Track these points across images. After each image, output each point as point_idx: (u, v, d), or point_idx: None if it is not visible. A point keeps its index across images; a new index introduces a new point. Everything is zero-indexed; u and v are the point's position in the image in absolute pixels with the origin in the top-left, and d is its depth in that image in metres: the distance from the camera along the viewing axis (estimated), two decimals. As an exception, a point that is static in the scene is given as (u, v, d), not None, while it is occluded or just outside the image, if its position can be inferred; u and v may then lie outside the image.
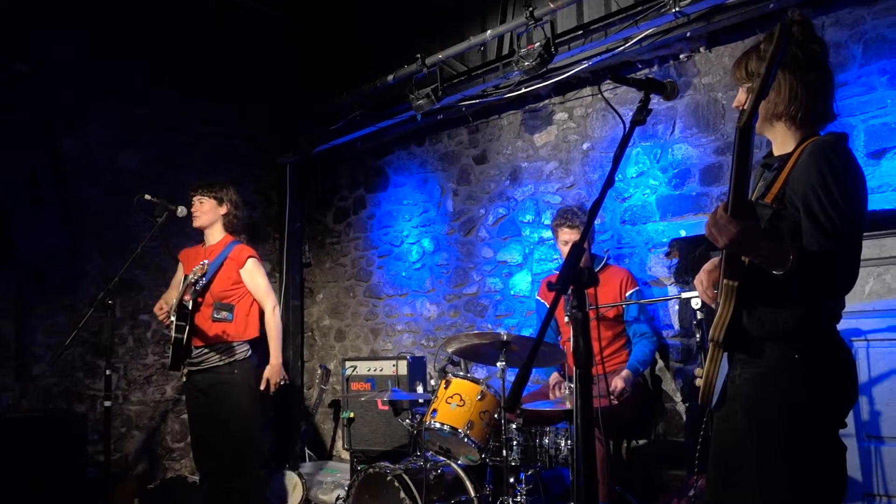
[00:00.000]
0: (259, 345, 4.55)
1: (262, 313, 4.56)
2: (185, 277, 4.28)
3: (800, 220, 2.02)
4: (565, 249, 4.41)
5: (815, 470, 2.02)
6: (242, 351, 4.41)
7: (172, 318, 4.26)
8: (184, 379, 4.42)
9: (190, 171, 6.36)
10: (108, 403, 4.46)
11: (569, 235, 4.34)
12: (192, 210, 4.51)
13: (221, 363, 4.32)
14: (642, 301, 4.35)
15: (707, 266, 2.32)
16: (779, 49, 1.87)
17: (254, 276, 4.48)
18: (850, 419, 2.35)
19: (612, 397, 3.86)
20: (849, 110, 3.79)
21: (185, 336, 4.24)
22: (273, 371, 4.43)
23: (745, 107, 1.92)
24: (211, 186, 4.52)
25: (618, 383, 3.99)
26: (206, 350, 4.34)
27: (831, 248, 1.95)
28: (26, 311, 5.60)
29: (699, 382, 2.24)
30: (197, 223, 4.53)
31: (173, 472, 6.22)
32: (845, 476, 2.08)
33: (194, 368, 4.36)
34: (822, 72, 2.17)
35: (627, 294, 4.32)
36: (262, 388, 4.40)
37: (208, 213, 4.50)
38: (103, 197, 5.98)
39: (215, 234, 4.55)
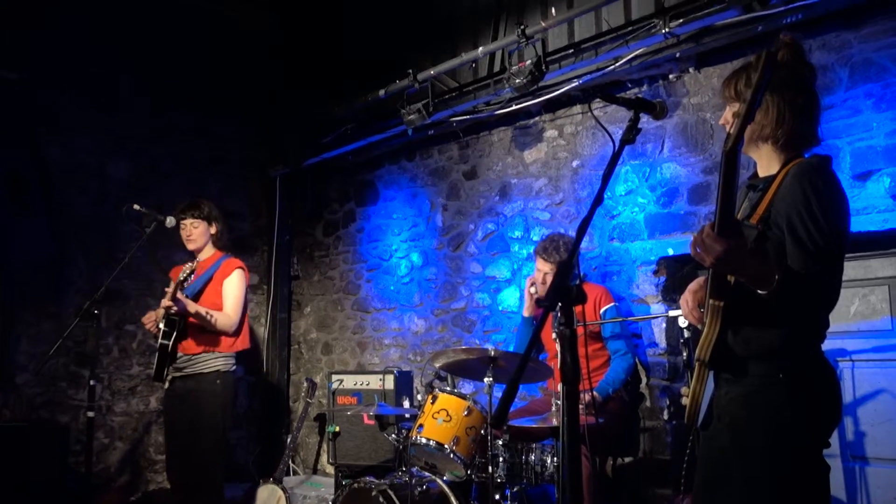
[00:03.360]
0: (246, 357, 4.52)
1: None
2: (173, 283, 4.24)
3: (784, 240, 2.04)
4: (539, 277, 4.42)
5: (799, 489, 2.03)
6: (229, 363, 4.39)
7: (160, 326, 4.24)
8: (166, 386, 4.39)
9: (179, 181, 6.36)
10: (91, 414, 4.42)
11: (542, 265, 4.37)
12: (185, 234, 4.48)
13: (206, 371, 4.29)
14: (630, 318, 4.36)
15: (692, 286, 2.34)
16: (764, 76, 1.90)
17: (232, 284, 4.42)
18: (834, 439, 2.36)
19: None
20: (835, 133, 3.83)
21: (172, 343, 4.22)
22: (183, 300, 4.15)
23: (731, 131, 1.94)
24: (198, 207, 4.48)
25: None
26: (192, 357, 4.31)
27: (814, 267, 1.98)
28: (10, 319, 5.55)
29: (686, 401, 2.25)
30: (192, 246, 4.50)
31: (155, 485, 6.16)
32: (829, 496, 2.10)
33: (178, 374, 4.33)
34: (809, 95, 2.20)
35: (602, 310, 4.32)
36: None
37: (202, 235, 4.49)
38: (91, 206, 5.96)
39: (206, 251, 4.54)
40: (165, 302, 4.13)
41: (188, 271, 4.15)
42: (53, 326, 5.62)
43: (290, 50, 7.07)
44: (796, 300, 1.99)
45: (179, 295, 4.13)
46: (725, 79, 2.29)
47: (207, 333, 4.31)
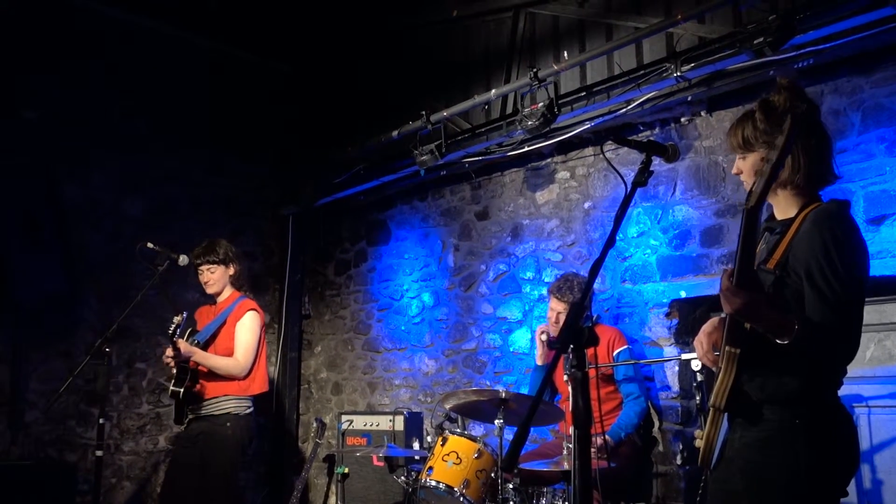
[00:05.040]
0: (263, 398, 4.50)
1: (269, 374, 4.50)
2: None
3: (802, 287, 2.03)
4: (552, 316, 4.41)
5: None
6: (242, 406, 4.37)
7: (173, 371, 4.25)
8: (183, 427, 4.38)
9: (192, 219, 6.41)
10: (99, 453, 4.40)
11: (555, 304, 4.37)
12: (203, 279, 4.51)
13: (217, 413, 4.28)
14: (644, 361, 4.32)
15: (706, 327, 2.31)
16: (790, 138, 1.91)
17: (244, 328, 4.41)
18: (851, 488, 2.32)
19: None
20: (848, 177, 3.82)
21: (182, 390, 4.23)
22: (186, 349, 4.20)
23: (755, 189, 1.95)
24: (214, 251, 4.49)
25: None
26: (206, 400, 4.31)
27: (834, 318, 1.96)
28: (21, 356, 5.55)
29: (699, 444, 2.22)
30: (211, 291, 4.53)
31: (162, 525, 6.10)
32: (847, 546, 2.05)
33: (192, 416, 4.33)
34: (819, 135, 2.19)
35: (615, 352, 4.29)
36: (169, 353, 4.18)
37: (220, 279, 4.52)
38: (105, 243, 6.00)
39: (224, 293, 4.57)
40: (166, 359, 4.19)
41: (175, 323, 4.14)
42: (64, 364, 5.62)
43: (304, 91, 7.17)
44: (815, 351, 1.97)
45: (181, 344, 4.16)
46: (730, 128, 2.29)
47: (219, 377, 4.32)
